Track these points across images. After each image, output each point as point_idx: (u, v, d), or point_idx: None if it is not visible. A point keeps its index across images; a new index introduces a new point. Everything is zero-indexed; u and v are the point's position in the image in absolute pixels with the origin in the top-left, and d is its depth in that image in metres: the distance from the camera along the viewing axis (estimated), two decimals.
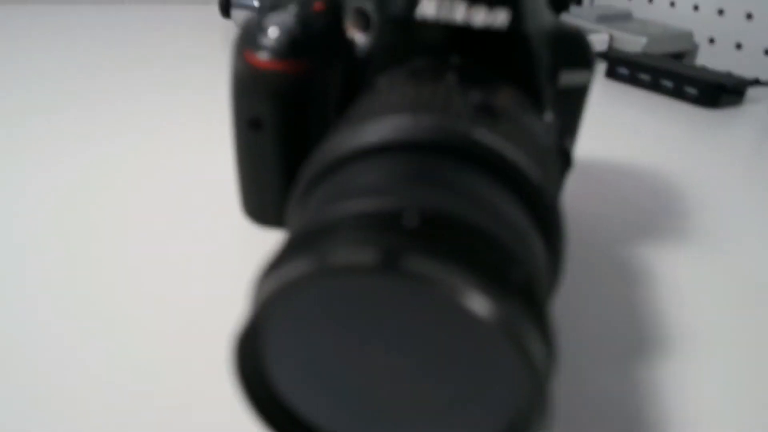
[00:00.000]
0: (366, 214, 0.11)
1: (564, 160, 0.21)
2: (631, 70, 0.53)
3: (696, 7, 0.61)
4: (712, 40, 0.61)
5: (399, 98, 0.15)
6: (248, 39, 0.20)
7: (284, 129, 0.21)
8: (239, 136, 0.22)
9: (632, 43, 0.58)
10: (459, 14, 0.17)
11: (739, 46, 0.58)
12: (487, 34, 0.18)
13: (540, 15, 0.19)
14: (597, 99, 0.50)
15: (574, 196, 0.31)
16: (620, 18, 0.63)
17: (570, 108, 0.22)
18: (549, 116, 0.20)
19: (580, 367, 0.19)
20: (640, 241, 0.27)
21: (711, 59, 0.61)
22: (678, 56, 0.61)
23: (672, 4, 0.63)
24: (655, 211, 0.30)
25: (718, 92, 0.48)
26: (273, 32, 0.20)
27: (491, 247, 0.11)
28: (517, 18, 0.17)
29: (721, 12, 0.59)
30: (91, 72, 0.46)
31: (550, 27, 0.21)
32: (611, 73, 0.54)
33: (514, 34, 0.18)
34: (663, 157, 0.38)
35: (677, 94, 0.50)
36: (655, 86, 0.51)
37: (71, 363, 0.18)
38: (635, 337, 0.21)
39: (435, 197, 0.12)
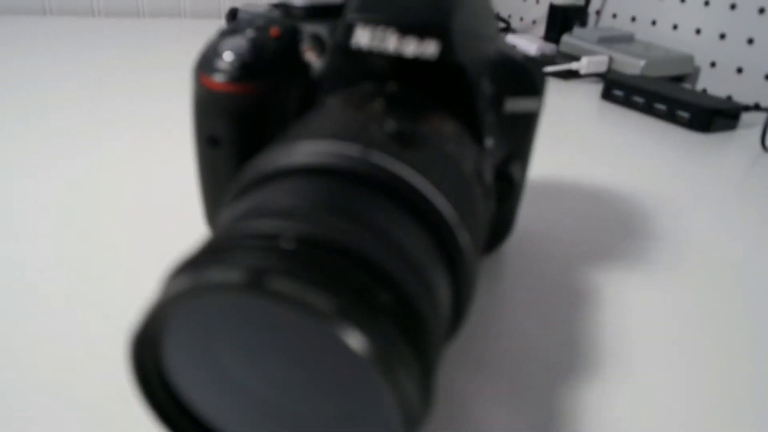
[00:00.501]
0: (251, 236, 0.12)
1: (507, 183, 0.22)
2: (626, 92, 0.53)
3: (698, 31, 0.61)
4: (713, 64, 0.60)
5: (326, 124, 0.16)
6: (205, 63, 0.21)
7: (240, 145, 0.22)
8: (199, 152, 0.23)
9: (631, 65, 0.58)
10: (391, 45, 0.18)
11: (740, 70, 0.58)
12: (419, 63, 0.18)
13: (478, 45, 0.20)
14: (591, 120, 0.50)
15: (548, 214, 0.31)
16: (622, 40, 0.63)
17: (518, 134, 0.23)
18: (489, 142, 0.21)
19: (505, 382, 0.19)
20: (604, 264, 0.27)
21: (712, 83, 0.60)
22: (678, 79, 0.61)
23: (675, 27, 0.63)
24: (630, 232, 0.30)
25: (711, 117, 0.47)
26: (227, 56, 0.21)
27: (364, 273, 0.12)
28: (447, 49, 0.18)
29: (722, 36, 0.59)
30: (110, 88, 0.49)
31: (493, 55, 0.21)
32: (607, 95, 0.55)
33: (446, 64, 0.19)
34: (650, 180, 0.38)
35: (670, 117, 0.50)
36: (649, 109, 0.51)
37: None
38: (563, 359, 0.21)
39: (327, 223, 0.13)
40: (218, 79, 0.21)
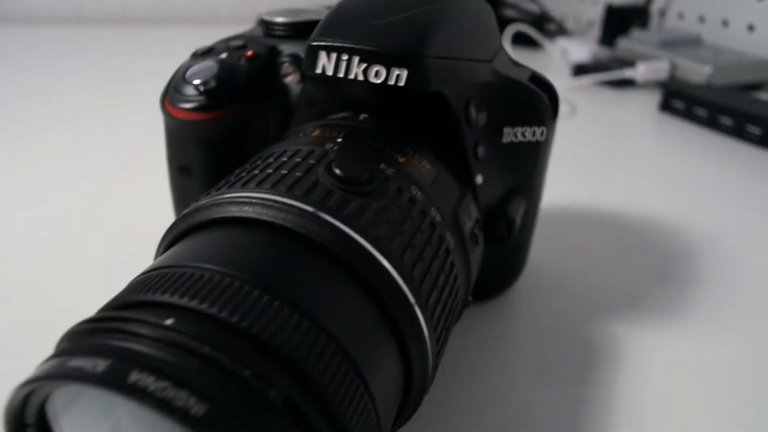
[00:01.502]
0: (134, 311, 0.10)
1: (505, 223, 0.19)
2: (687, 103, 0.47)
3: None
4: None
5: (268, 167, 0.14)
6: (171, 90, 0.20)
7: (213, 173, 0.21)
8: (171, 179, 0.22)
9: (696, 72, 0.52)
10: (357, 73, 0.16)
11: None
12: (389, 93, 0.16)
13: (463, 70, 0.17)
14: (645, 135, 0.46)
15: (578, 247, 0.28)
16: (687, 43, 0.57)
17: (521, 166, 0.20)
18: (480, 179, 0.18)
19: None
20: (632, 312, 0.24)
21: None
22: (752, 88, 0.54)
23: (750, 28, 0.56)
24: (674, 273, 0.26)
25: None
26: (195, 82, 0.19)
27: (257, 361, 0.10)
28: (419, 77, 0.16)
29: None
30: (120, 95, 0.50)
31: (488, 80, 0.18)
32: (666, 106, 0.49)
33: (420, 94, 0.16)
34: (708, 209, 0.33)
35: (738, 133, 0.44)
36: (713, 123, 0.45)
37: None
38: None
39: (227, 297, 0.11)
40: (184, 107, 0.19)
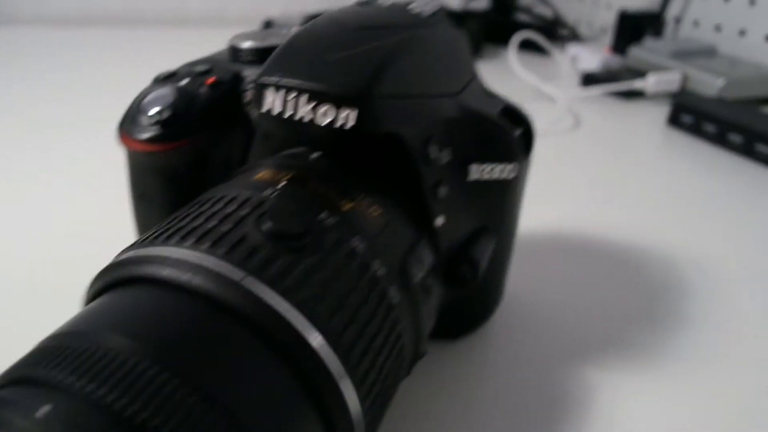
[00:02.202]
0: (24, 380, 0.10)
1: (469, 266, 0.18)
2: (696, 118, 0.46)
3: None
4: None
5: (192, 218, 0.14)
6: (127, 119, 0.19)
7: (172, 201, 0.20)
8: (133, 205, 0.21)
9: (708, 84, 0.50)
10: (303, 111, 0.15)
11: None
12: (339, 134, 0.15)
13: (423, 107, 0.16)
14: (650, 151, 0.44)
15: (562, 278, 0.27)
16: (701, 54, 0.55)
17: (490, 204, 0.19)
18: (440, 221, 0.17)
19: None
20: (613, 356, 0.23)
21: None
22: (767, 102, 0.52)
23: None
24: (666, 310, 0.25)
25: None
26: (151, 111, 0.19)
27: None
28: (370, 118, 0.15)
29: None
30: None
31: (453, 115, 0.17)
32: (674, 121, 0.47)
33: (371, 135, 0.15)
34: (710, 235, 0.32)
35: (747, 151, 0.42)
36: (722, 140, 0.44)
37: None
38: None
39: (114, 376, 0.10)
40: (139, 138, 0.19)
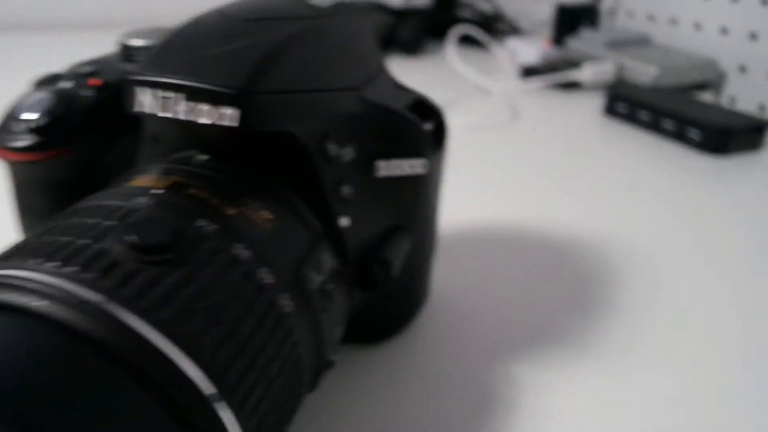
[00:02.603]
0: None
1: (382, 267, 0.17)
2: (630, 106, 0.46)
3: (724, 31, 0.53)
4: (743, 69, 0.52)
5: (49, 233, 0.12)
6: (2, 130, 0.17)
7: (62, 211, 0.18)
8: (19, 220, 0.19)
9: (642, 73, 0.51)
10: (180, 111, 0.14)
11: None
12: (225, 133, 0.14)
13: (318, 102, 0.15)
14: (587, 140, 0.44)
15: (495, 270, 0.26)
16: (635, 44, 0.56)
17: (402, 201, 0.18)
18: (345, 221, 0.17)
19: None
20: (541, 348, 0.22)
21: (741, 91, 0.52)
22: (699, 88, 0.53)
23: (697, 27, 0.56)
24: (601, 297, 0.25)
25: (726, 136, 0.40)
26: (26, 117, 0.17)
27: None
28: (253, 116, 0.14)
29: (753, 36, 0.51)
30: None
31: (355, 110, 0.17)
32: (610, 110, 0.48)
33: (257, 133, 0.14)
34: (643, 220, 0.32)
35: (679, 137, 0.43)
36: (656, 127, 0.44)
37: None
38: None
39: None
40: (13, 146, 0.17)
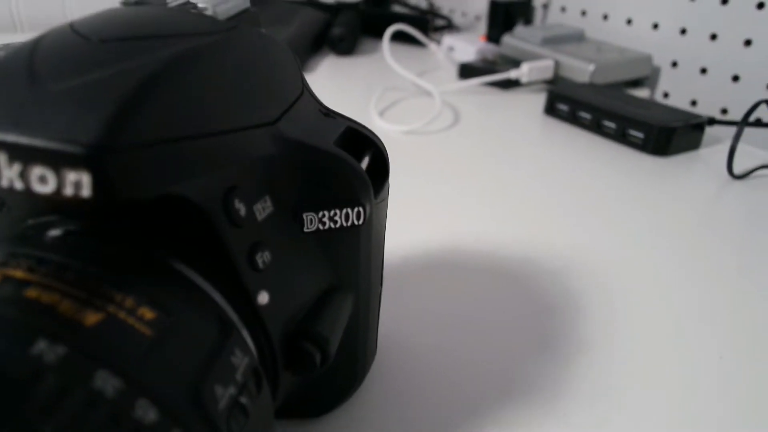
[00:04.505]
0: None
1: (313, 343, 0.14)
2: (571, 106, 0.45)
3: (656, 26, 0.53)
4: (674, 64, 0.52)
5: None
6: None
7: None
8: None
9: (579, 70, 0.50)
10: (4, 177, 0.10)
11: (704, 71, 0.50)
12: (81, 204, 0.10)
13: (215, 152, 0.12)
14: (528, 142, 0.42)
15: (443, 303, 0.23)
16: (570, 40, 0.55)
17: (336, 258, 0.15)
18: (263, 297, 0.13)
19: None
20: (516, 401, 0.19)
21: (674, 86, 0.52)
22: (634, 84, 0.53)
23: (629, 22, 0.55)
24: (542, 306, 0.22)
25: (668, 137, 0.39)
26: None
27: None
28: (117, 182, 0.10)
29: (683, 32, 0.51)
30: None
31: (268, 154, 0.13)
32: (551, 110, 0.46)
33: (135, 201, 0.10)
34: (587, 226, 0.30)
35: (622, 138, 0.42)
36: (597, 127, 0.43)
37: None
38: None
39: None
40: None
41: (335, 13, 0.66)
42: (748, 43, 0.46)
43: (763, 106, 0.39)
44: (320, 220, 0.14)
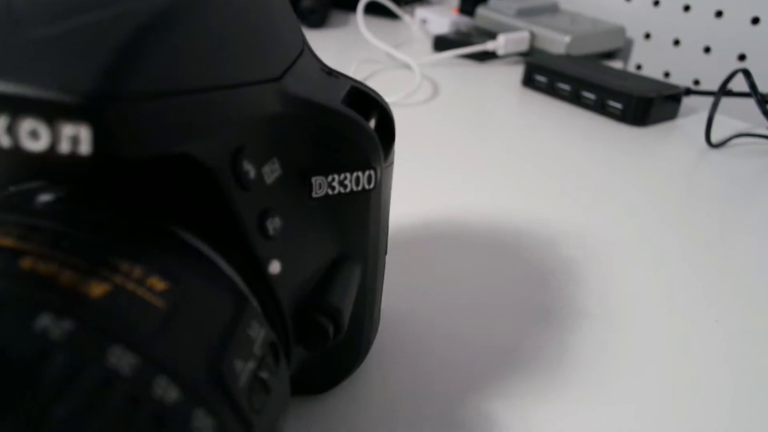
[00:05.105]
0: None
1: (326, 315, 0.13)
2: (549, 78, 0.45)
3: None
4: (648, 36, 0.53)
5: None
6: None
7: None
8: None
9: (555, 42, 0.50)
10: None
11: (677, 43, 0.51)
12: (77, 163, 0.09)
13: (221, 106, 0.11)
14: (507, 114, 0.42)
15: (440, 277, 0.23)
16: (544, 11, 0.55)
17: (347, 224, 0.14)
18: (275, 267, 0.12)
19: None
20: (521, 371, 0.19)
21: (647, 57, 0.53)
22: (609, 55, 0.53)
23: None
24: (523, 279, 0.22)
25: (646, 108, 0.40)
26: None
27: None
28: (120, 137, 0.09)
29: (656, 3, 0.51)
30: None
31: (275, 112, 0.12)
32: (528, 82, 0.46)
33: (136, 161, 0.09)
34: (569, 196, 0.30)
35: (600, 109, 0.42)
36: (576, 99, 0.43)
37: None
38: None
39: None
40: None
41: None
42: (719, 14, 0.47)
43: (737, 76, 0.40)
44: (330, 185, 0.13)
